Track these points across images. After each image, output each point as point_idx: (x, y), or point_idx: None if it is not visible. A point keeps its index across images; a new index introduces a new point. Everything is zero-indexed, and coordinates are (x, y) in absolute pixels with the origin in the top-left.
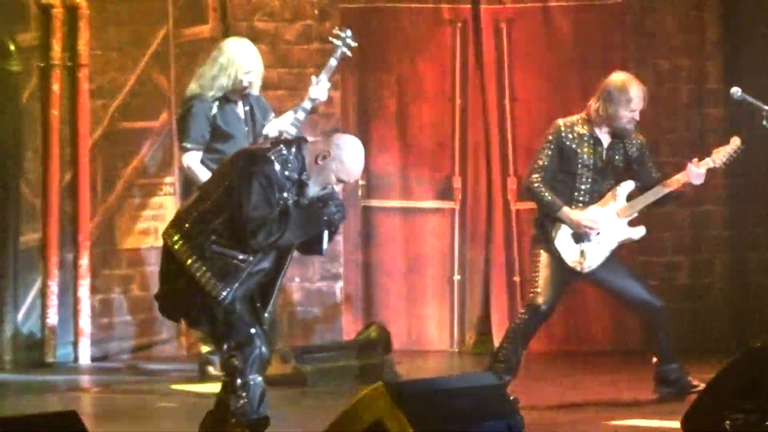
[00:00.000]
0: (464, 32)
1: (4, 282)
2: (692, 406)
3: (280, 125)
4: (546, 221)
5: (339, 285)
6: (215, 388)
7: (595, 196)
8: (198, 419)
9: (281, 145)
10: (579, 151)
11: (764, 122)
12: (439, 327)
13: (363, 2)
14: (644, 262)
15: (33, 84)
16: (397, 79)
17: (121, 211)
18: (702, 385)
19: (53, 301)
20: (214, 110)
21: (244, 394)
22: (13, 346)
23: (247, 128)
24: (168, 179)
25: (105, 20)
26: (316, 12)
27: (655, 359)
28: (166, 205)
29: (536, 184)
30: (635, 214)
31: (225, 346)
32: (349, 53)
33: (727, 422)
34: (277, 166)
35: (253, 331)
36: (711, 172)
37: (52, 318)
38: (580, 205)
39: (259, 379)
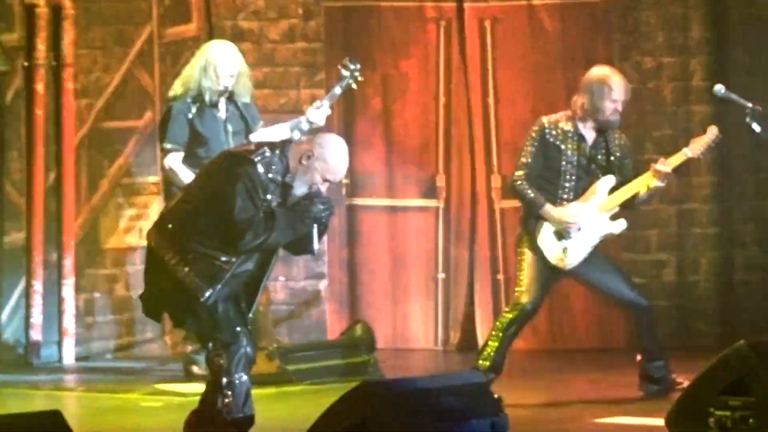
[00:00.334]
0: (448, 31)
1: None
2: (677, 404)
3: (270, 136)
4: (529, 220)
5: (323, 284)
6: (200, 387)
7: (580, 193)
8: (183, 418)
9: (265, 147)
10: (563, 147)
11: (747, 119)
12: (424, 325)
13: (347, 1)
14: (630, 259)
15: (17, 84)
16: (381, 78)
17: (106, 211)
18: (687, 383)
19: (37, 300)
20: (193, 111)
21: (229, 393)
22: None
23: (225, 133)
24: (152, 179)
25: (89, 20)
26: (300, 11)
27: (639, 357)
28: (151, 204)
29: (519, 182)
30: (616, 209)
31: (210, 346)
32: (354, 86)
33: (712, 420)
34: (261, 168)
35: (238, 330)
36: (695, 168)
37: (37, 317)
38: (565, 203)
39: (245, 378)
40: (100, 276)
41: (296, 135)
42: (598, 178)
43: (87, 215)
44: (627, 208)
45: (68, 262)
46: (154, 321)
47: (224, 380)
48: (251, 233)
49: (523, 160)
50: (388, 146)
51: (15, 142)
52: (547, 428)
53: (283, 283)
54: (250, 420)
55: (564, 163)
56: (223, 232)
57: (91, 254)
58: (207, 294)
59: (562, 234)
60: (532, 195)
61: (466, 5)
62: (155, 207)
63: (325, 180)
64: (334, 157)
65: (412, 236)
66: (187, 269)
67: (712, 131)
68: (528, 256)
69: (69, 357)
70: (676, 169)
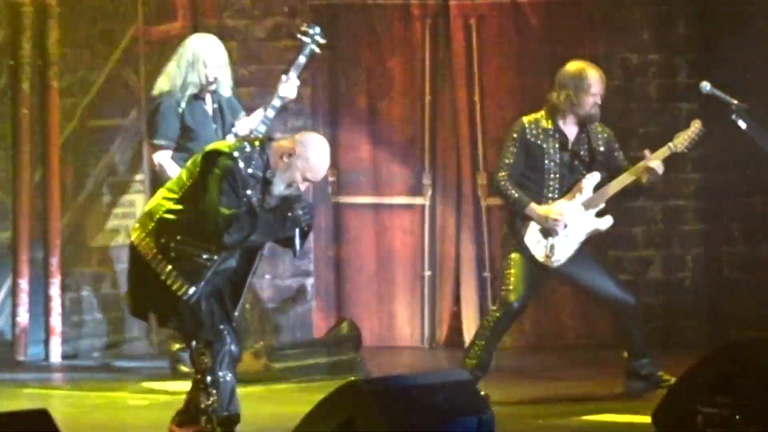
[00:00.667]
0: (434, 28)
1: None
2: (664, 402)
3: (250, 123)
4: (515, 219)
5: (309, 282)
6: (186, 385)
7: (565, 191)
8: (169, 416)
9: (245, 143)
10: (545, 146)
11: (733, 116)
12: (410, 323)
13: None
14: (616, 256)
15: (2, 82)
16: (366, 76)
17: (92, 209)
18: (673, 380)
19: (24, 299)
20: (183, 106)
21: (214, 392)
22: None
23: (215, 126)
24: (138, 177)
25: (74, 18)
26: (286, 9)
27: (626, 354)
28: (137, 203)
29: (503, 183)
30: (602, 205)
31: (194, 344)
32: (317, 50)
33: (699, 417)
34: (241, 164)
35: (222, 328)
36: (681, 164)
37: (23, 316)
38: (550, 201)
39: (230, 376)
40: (87, 274)
41: (270, 112)
42: (582, 174)
43: (73, 214)
44: (614, 204)
45: (54, 261)
46: (141, 320)
47: (209, 378)
48: (234, 228)
49: (506, 160)
50: (373, 144)
51: (0, 141)
52: (534, 425)
53: (269, 281)
54: (235, 418)
55: (547, 161)
56: (205, 228)
57: (78, 253)
58: (190, 292)
59: (548, 232)
60: (516, 195)
61: (452, 3)
62: (141, 205)
63: (305, 179)
64: (314, 156)
65: (398, 234)
66: (169, 267)
67: (696, 125)
68: (514, 255)
69: (56, 355)
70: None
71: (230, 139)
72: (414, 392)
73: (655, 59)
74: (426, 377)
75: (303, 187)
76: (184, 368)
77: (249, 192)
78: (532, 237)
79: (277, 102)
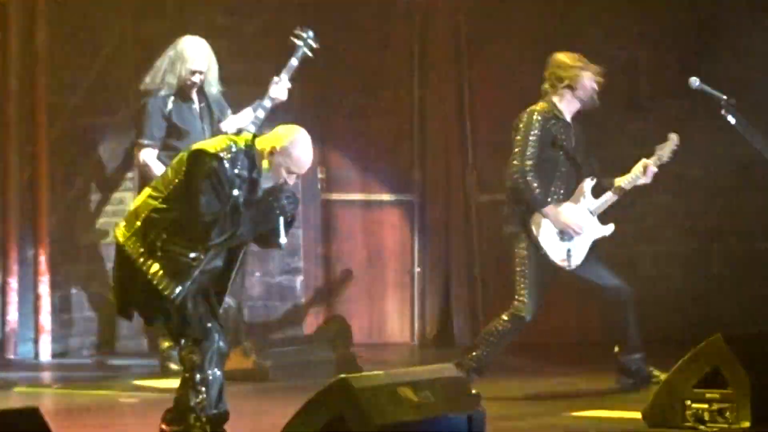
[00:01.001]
0: (422, 24)
1: None
2: (654, 397)
3: (238, 122)
4: (529, 217)
5: (299, 279)
6: (177, 383)
7: (566, 188)
8: (159, 414)
9: (231, 143)
10: (561, 138)
11: (723, 112)
12: (400, 320)
13: None
14: (606, 252)
15: None
16: (355, 72)
17: (81, 208)
18: (663, 376)
19: (13, 297)
20: (170, 106)
21: (203, 390)
22: None
23: (202, 125)
24: (127, 174)
25: (63, 16)
26: (275, 6)
27: (617, 349)
28: (126, 200)
29: (530, 175)
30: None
31: (182, 342)
32: (310, 54)
33: (689, 412)
34: (227, 165)
35: (209, 325)
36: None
37: (13, 315)
38: (556, 198)
39: (218, 373)
40: (76, 272)
41: (260, 113)
42: (578, 170)
43: (62, 212)
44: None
45: (44, 259)
46: (126, 319)
47: (197, 377)
48: (217, 229)
49: (530, 149)
50: (363, 141)
51: None
52: (525, 422)
53: (258, 278)
54: (224, 416)
55: (561, 154)
56: (190, 229)
57: (67, 251)
58: (176, 291)
59: (565, 235)
60: (538, 192)
61: None
62: (130, 203)
63: (290, 173)
64: (297, 149)
65: (387, 231)
66: (156, 266)
67: (673, 139)
68: (529, 257)
69: (45, 354)
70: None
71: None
72: (404, 389)
73: (644, 55)
74: (416, 374)
75: (291, 180)
76: (173, 366)
77: (235, 192)
78: (548, 238)
79: (267, 103)
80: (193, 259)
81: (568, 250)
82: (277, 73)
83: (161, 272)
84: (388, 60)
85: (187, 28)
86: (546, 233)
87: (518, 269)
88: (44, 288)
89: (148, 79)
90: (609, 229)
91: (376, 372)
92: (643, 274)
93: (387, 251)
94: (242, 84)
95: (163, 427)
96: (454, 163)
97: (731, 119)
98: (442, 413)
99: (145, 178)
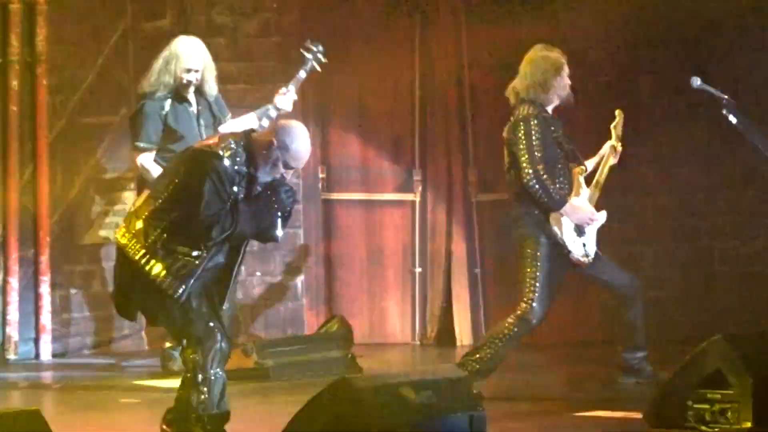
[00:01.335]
0: (424, 23)
1: None
2: (656, 397)
3: (239, 126)
4: (546, 217)
5: (300, 279)
6: (178, 383)
7: (568, 182)
8: (161, 414)
9: (230, 140)
10: (557, 135)
11: (724, 111)
12: (401, 320)
13: None
14: (607, 252)
15: None
16: (356, 71)
17: (82, 207)
18: (664, 376)
19: (14, 297)
20: (166, 109)
21: (204, 389)
22: None
23: (199, 127)
24: (128, 174)
25: (63, 15)
26: (275, 5)
27: (620, 346)
28: (127, 200)
29: (546, 179)
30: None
31: (184, 342)
32: (318, 68)
33: (691, 413)
34: (227, 162)
35: (212, 325)
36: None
37: (13, 315)
38: (564, 193)
39: (220, 373)
40: (77, 272)
41: (265, 123)
42: (567, 165)
43: (63, 211)
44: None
45: (44, 259)
46: (128, 320)
47: (199, 376)
48: (218, 227)
49: (537, 154)
50: (363, 140)
51: None
52: (526, 422)
53: (259, 278)
54: (226, 416)
55: (560, 152)
56: (191, 227)
57: (67, 250)
58: (180, 291)
59: (580, 229)
60: (555, 192)
61: None
62: (130, 203)
63: (288, 167)
64: (294, 143)
65: (388, 230)
66: (158, 266)
67: (620, 114)
68: (541, 258)
69: (46, 354)
70: None
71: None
72: (405, 389)
73: (645, 54)
74: (417, 374)
75: (288, 175)
76: (174, 366)
77: (235, 188)
78: (570, 236)
79: (273, 113)
80: (196, 257)
81: (584, 245)
82: (281, 77)
83: (164, 272)
84: (389, 59)
85: (188, 28)
86: (567, 231)
87: (528, 271)
88: (45, 288)
89: (144, 82)
90: (603, 216)
91: (377, 372)
92: (643, 274)
93: (388, 250)
94: (242, 83)
95: (164, 427)
96: (455, 163)
97: (732, 119)
98: (443, 413)
99: (142, 181)
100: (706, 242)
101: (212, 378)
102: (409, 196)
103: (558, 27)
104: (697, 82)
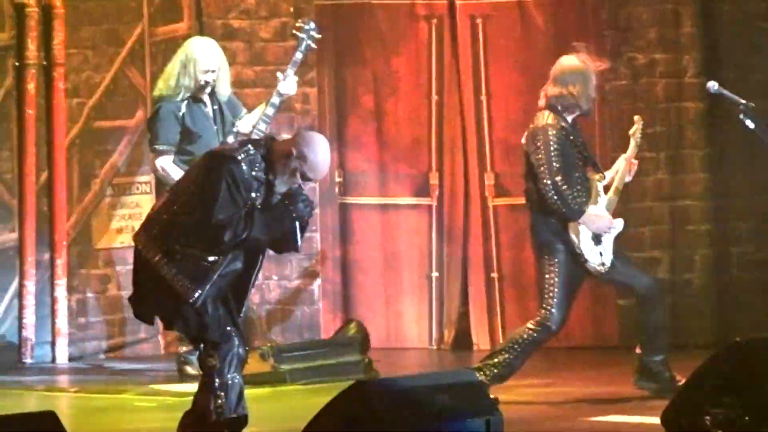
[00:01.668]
0: (440, 28)
1: None
2: (672, 402)
3: (252, 120)
4: (564, 226)
5: (317, 283)
6: (194, 387)
7: (586, 190)
8: (177, 419)
9: (249, 145)
10: (576, 143)
11: (741, 116)
12: (418, 324)
13: None
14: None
15: (8, 83)
16: (373, 76)
17: (98, 211)
18: (683, 380)
19: (30, 301)
20: (183, 110)
21: (222, 394)
22: None
23: (215, 128)
24: (144, 178)
25: (80, 19)
26: (291, 9)
27: (639, 349)
28: (142, 204)
29: (564, 187)
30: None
31: (201, 346)
32: (313, 45)
33: (707, 417)
34: (245, 167)
35: (229, 329)
36: (688, 164)
37: (29, 318)
38: (582, 201)
39: (237, 378)
40: (93, 276)
41: (270, 110)
42: (585, 172)
43: (79, 215)
44: None
45: (60, 263)
46: (146, 323)
47: (217, 381)
48: (230, 232)
49: (555, 164)
50: (380, 144)
51: (6, 142)
52: (542, 427)
53: (276, 282)
54: (243, 420)
55: (579, 161)
56: (204, 232)
57: (84, 254)
58: (195, 295)
59: (598, 238)
60: (574, 202)
61: (458, 2)
62: (147, 206)
63: (306, 178)
64: (314, 155)
65: (405, 235)
66: (174, 271)
67: (638, 120)
68: (559, 265)
69: (62, 357)
70: None
71: (232, 140)
72: (422, 393)
73: (662, 59)
74: (434, 378)
75: (306, 186)
76: (191, 370)
77: (253, 194)
78: (587, 245)
79: (276, 99)
80: (212, 262)
81: (600, 254)
82: (298, 82)
83: (180, 276)
84: (405, 63)
85: (204, 32)
86: (584, 241)
87: (547, 277)
88: (61, 291)
89: (161, 84)
90: (621, 223)
91: (393, 376)
92: (660, 278)
93: (404, 255)
94: (258, 87)
95: (182, 431)
96: (472, 167)
97: (749, 123)
98: (460, 418)
99: (162, 184)
100: (723, 248)
101: (229, 382)
102: (425, 200)
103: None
104: (714, 86)
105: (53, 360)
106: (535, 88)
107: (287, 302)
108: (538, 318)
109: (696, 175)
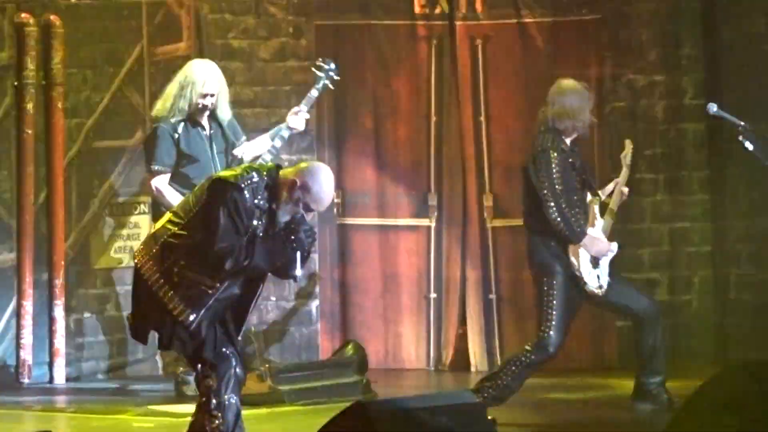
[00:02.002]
0: (440, 49)
1: None
2: (671, 423)
3: (254, 149)
4: (563, 248)
5: (315, 303)
6: (192, 407)
7: (584, 212)
8: None
9: (253, 173)
10: (576, 166)
11: (740, 137)
12: (416, 345)
13: (338, 19)
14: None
15: (7, 103)
16: (372, 97)
17: (96, 231)
18: (681, 402)
19: (28, 321)
20: (179, 132)
21: (219, 414)
22: None
23: (212, 151)
24: (142, 198)
25: (79, 39)
26: (291, 29)
27: (638, 370)
28: (141, 224)
29: (568, 211)
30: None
31: (199, 367)
32: (331, 86)
33: None
34: (247, 194)
35: (225, 351)
36: (687, 186)
37: (27, 338)
38: (581, 223)
39: (235, 399)
40: (91, 296)
41: (278, 143)
42: (583, 195)
43: (77, 235)
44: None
45: (58, 283)
46: (141, 343)
47: (213, 402)
48: (231, 260)
49: (557, 187)
50: (379, 165)
51: (4, 162)
52: None
53: (274, 302)
54: None
55: (578, 183)
56: (206, 256)
57: (82, 274)
58: (191, 318)
59: (596, 261)
60: (577, 225)
61: (457, 23)
62: (145, 227)
63: (308, 209)
64: (318, 187)
65: (403, 256)
66: (171, 293)
67: (629, 144)
68: (557, 287)
69: (60, 377)
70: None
71: (236, 166)
72: (420, 414)
73: (662, 80)
74: (432, 399)
75: (308, 217)
76: (188, 390)
77: (254, 222)
78: (586, 268)
79: (285, 133)
80: (210, 286)
81: (598, 277)
82: (297, 101)
83: (177, 298)
84: (404, 84)
85: (203, 52)
86: (583, 263)
87: (545, 299)
88: (59, 311)
89: (159, 105)
90: (616, 246)
91: (391, 397)
92: (659, 299)
93: (403, 276)
94: (257, 107)
95: None
96: (471, 188)
97: (749, 145)
98: None
99: (157, 205)
100: (722, 269)
101: (226, 403)
102: (424, 222)
103: (575, 48)
104: (713, 108)
105: (51, 380)
106: (535, 109)
107: (285, 323)
108: (536, 340)
109: (695, 196)
